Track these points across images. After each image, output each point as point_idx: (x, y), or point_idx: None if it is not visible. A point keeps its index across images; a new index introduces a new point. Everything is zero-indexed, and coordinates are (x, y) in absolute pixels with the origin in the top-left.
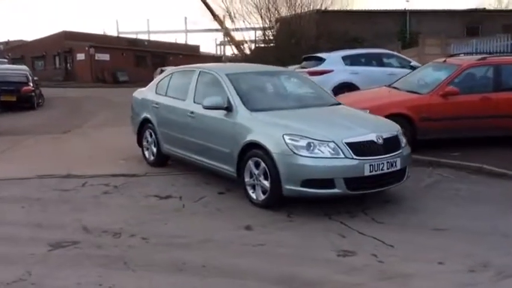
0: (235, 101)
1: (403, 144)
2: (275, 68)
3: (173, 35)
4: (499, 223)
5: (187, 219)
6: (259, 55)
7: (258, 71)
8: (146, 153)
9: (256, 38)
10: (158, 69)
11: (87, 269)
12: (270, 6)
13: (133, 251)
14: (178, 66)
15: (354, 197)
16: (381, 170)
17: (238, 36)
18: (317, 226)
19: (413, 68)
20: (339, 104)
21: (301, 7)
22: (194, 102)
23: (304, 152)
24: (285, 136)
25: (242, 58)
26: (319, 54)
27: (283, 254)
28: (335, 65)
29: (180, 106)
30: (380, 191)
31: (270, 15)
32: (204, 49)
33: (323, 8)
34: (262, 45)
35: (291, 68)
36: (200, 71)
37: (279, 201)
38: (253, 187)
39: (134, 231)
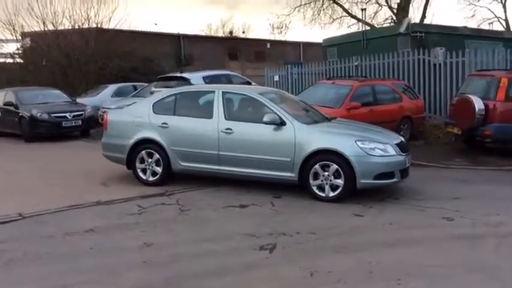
0: (287, 116)
1: None
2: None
3: None
4: (474, 191)
5: (302, 217)
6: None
7: (272, 91)
8: (142, 174)
9: None
10: None
11: (341, 255)
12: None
13: (333, 241)
14: (181, 88)
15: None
16: (409, 163)
17: None
18: (392, 208)
19: None
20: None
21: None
22: (226, 119)
23: (374, 153)
24: (357, 142)
25: None
26: (183, 75)
27: (417, 226)
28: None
29: (207, 124)
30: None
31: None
32: None
33: (111, 27)
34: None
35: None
36: (222, 91)
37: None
38: (319, 187)
39: (290, 231)
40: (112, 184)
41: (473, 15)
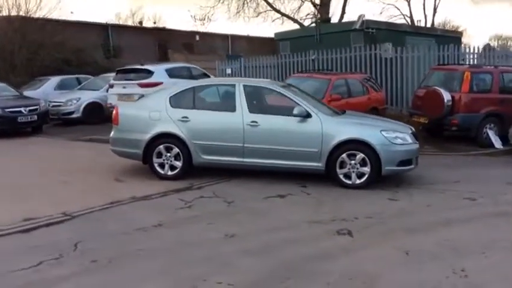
0: (312, 109)
1: None
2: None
3: None
4: (466, 174)
5: (346, 203)
6: None
7: (284, 84)
8: (160, 169)
9: None
10: None
11: (414, 235)
12: None
13: (394, 223)
14: (199, 81)
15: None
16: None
17: None
18: (417, 192)
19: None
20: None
21: None
22: (250, 112)
23: (396, 141)
24: (382, 132)
25: None
26: (146, 67)
27: (450, 207)
28: (162, 77)
29: (230, 117)
30: None
31: None
32: None
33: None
34: None
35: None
36: (243, 85)
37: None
38: (345, 175)
39: (347, 217)
40: (126, 179)
41: (381, 12)
